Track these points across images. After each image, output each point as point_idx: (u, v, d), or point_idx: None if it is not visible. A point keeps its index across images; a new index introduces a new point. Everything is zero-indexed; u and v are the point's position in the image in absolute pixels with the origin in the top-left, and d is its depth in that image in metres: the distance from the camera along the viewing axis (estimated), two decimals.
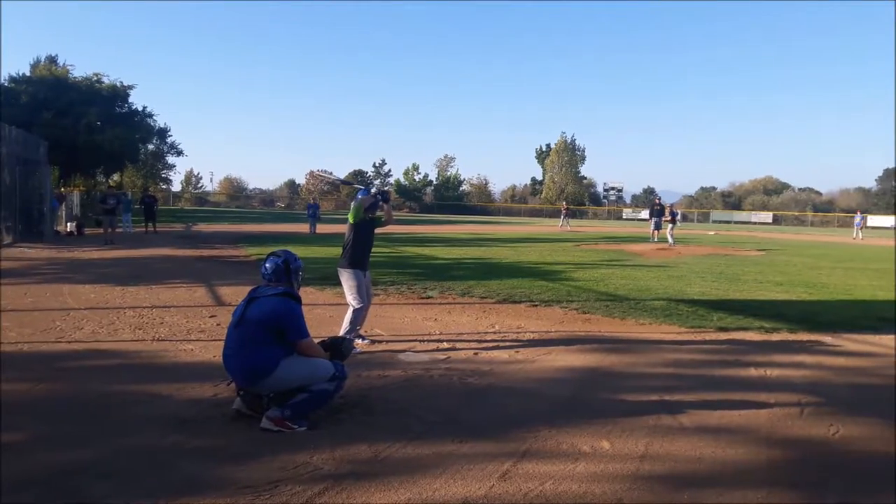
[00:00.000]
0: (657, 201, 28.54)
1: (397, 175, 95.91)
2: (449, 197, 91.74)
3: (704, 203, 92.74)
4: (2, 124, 20.05)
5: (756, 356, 6.88)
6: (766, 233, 47.98)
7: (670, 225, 25.74)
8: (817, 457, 4.20)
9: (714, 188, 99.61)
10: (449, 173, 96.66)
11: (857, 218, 42.82)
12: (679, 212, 27.16)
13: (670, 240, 25.07)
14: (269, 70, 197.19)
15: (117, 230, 21.67)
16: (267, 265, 4.79)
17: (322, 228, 28.69)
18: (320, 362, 4.55)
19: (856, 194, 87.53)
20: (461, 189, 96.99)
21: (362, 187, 7.40)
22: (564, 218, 43.74)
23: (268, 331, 4.43)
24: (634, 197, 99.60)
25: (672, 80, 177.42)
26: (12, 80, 42.57)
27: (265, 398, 4.54)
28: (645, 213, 48.62)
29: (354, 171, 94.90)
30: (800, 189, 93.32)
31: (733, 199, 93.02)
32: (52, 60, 47.99)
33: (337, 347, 4.82)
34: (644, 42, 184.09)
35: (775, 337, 7.92)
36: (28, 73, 44.47)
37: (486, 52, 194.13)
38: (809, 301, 10.86)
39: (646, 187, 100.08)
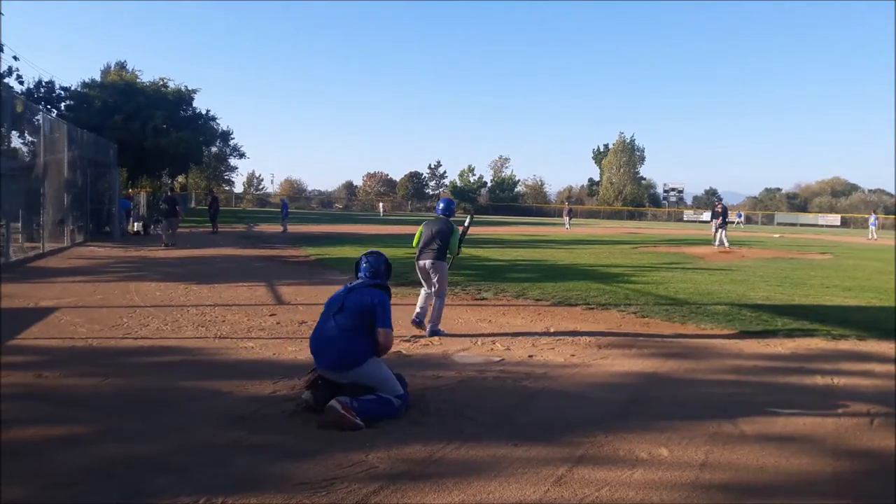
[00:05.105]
0: (719, 203, 27.68)
1: (452, 177, 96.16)
2: (504, 198, 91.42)
3: (769, 205, 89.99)
4: (76, 128, 20.95)
5: (823, 363, 6.63)
6: (833, 235, 46.19)
7: (720, 227, 24.20)
8: (886, 470, 4.02)
9: (779, 189, 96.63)
10: (504, 174, 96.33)
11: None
12: (742, 213, 25.95)
13: (725, 242, 23.74)
14: (329, 77, 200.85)
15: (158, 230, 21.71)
16: (366, 264, 5.25)
17: (389, 229, 28.90)
18: (394, 378, 4.81)
19: None
20: (516, 190, 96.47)
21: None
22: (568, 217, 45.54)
23: (363, 319, 4.80)
24: (696, 198, 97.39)
25: (735, 77, 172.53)
26: (85, 85, 44.38)
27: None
28: (707, 215, 47.81)
29: (410, 172, 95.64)
30: (870, 190, 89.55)
31: (799, 201, 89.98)
32: (121, 66, 49.95)
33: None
34: (707, 36, 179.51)
35: (843, 344, 7.61)
36: (98, 79, 46.28)
37: (542, 51, 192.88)
38: (880, 307, 10.41)
39: (707, 188, 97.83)
